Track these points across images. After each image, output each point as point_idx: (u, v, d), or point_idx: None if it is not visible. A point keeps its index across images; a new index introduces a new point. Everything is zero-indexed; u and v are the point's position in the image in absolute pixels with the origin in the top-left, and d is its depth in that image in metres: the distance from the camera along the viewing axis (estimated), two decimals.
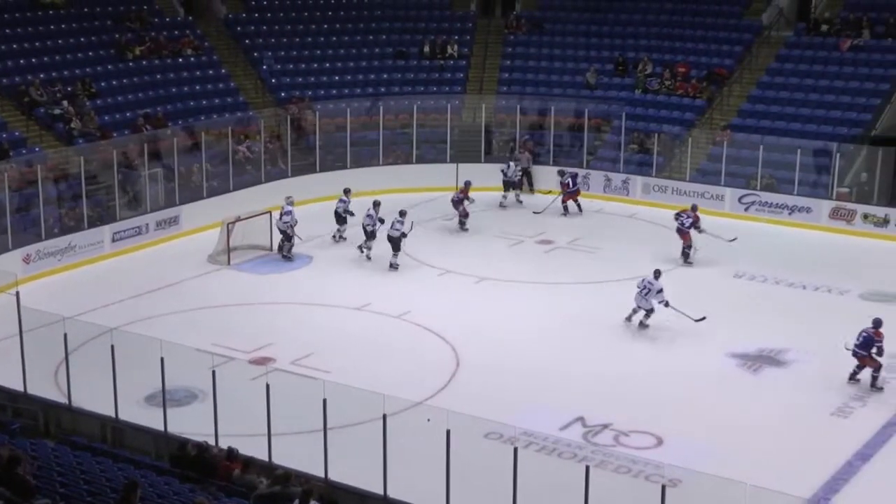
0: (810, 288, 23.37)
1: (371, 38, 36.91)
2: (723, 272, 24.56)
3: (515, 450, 13.21)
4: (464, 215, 27.73)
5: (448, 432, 13.31)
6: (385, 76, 35.63)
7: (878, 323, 18.74)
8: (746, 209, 29.12)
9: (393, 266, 24.65)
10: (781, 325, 21.24)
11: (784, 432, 16.91)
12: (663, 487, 12.19)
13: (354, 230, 25.89)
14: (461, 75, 35.96)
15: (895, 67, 31.54)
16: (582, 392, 18.32)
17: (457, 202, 27.82)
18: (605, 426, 17.08)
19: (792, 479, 14.99)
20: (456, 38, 36.92)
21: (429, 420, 14.88)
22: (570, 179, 29.63)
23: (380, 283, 23.90)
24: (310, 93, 34.11)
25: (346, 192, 26.87)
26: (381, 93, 34.33)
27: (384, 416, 13.94)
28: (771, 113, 31.79)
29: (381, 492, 14.15)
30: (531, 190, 31.40)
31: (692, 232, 25.18)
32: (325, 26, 37.05)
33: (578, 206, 29.49)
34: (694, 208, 25.66)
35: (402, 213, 24.95)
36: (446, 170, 31.50)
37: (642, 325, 21.25)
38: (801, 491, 14.61)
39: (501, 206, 30.08)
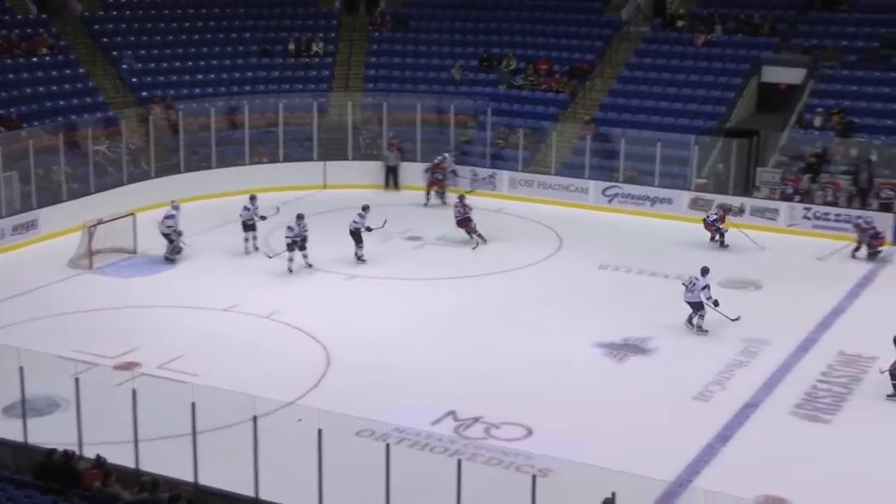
0: (672, 277, 23.98)
1: (234, 35, 36.43)
2: (588, 263, 25.05)
3: (387, 446, 13.24)
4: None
5: (319, 432, 13.26)
6: (249, 74, 35.21)
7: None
8: (610, 201, 29.76)
9: (360, 258, 24.83)
10: (645, 314, 21.79)
11: (649, 418, 17.34)
12: (534, 477, 12.38)
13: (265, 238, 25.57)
14: (327, 73, 35.80)
15: (746, 62, 32.69)
16: (453, 386, 18.45)
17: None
18: (476, 419, 17.24)
19: (657, 463, 15.41)
20: (321, 35, 36.73)
21: (300, 420, 14.83)
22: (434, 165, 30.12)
23: (248, 283, 23.64)
24: (172, 92, 33.45)
25: (253, 198, 25.87)
26: (246, 91, 33.92)
27: (254, 418, 13.82)
28: (631, 107, 32.57)
29: (252, 494, 14.01)
30: (396, 187, 31.41)
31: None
32: (187, 24, 36.41)
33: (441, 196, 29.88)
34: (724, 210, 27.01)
35: (365, 208, 24.96)
36: (313, 168, 31.36)
37: (700, 329, 20.88)
38: (666, 474, 15.05)
39: (426, 205, 30.14)
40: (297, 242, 24.20)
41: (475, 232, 26.34)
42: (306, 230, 24.26)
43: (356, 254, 24.90)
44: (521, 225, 28.33)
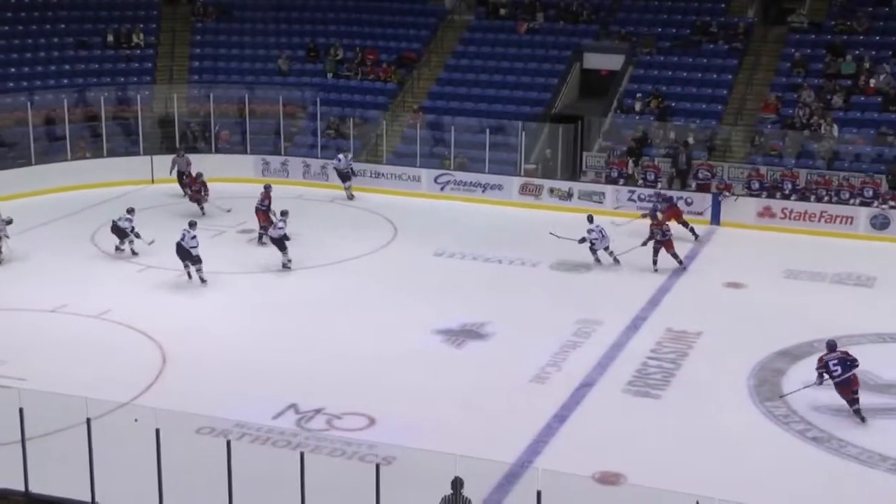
0: (505, 262, 24.46)
1: (49, 27, 35.07)
2: (423, 251, 25.25)
3: (228, 442, 13.00)
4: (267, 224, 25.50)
5: (157, 431, 12.96)
6: (67, 67, 34.00)
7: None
8: (442, 189, 30.06)
9: (286, 266, 23.76)
10: (481, 300, 22.13)
11: (489, 401, 17.62)
12: (377, 466, 12.41)
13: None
14: (149, 65, 34.89)
15: (568, 49, 33.54)
16: (293, 379, 18.33)
17: (263, 212, 25.87)
18: (318, 411, 17.17)
19: (499, 446, 15.72)
20: (141, 26, 35.75)
21: (136, 420, 14.45)
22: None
23: (74, 281, 22.84)
24: None
25: (130, 211, 24.71)
26: (64, 85, 32.75)
27: (88, 420, 13.38)
28: (459, 94, 32.96)
29: (89, 499, 13.60)
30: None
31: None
32: None
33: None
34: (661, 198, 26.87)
35: (284, 214, 24.06)
36: (140, 162, 30.58)
37: (616, 260, 23.99)
38: (507, 456, 15.34)
39: (350, 198, 29.60)
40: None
41: None
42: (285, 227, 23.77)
43: (283, 263, 23.89)
44: (355, 215, 28.35)
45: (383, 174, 30.54)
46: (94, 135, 31.20)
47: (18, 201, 27.33)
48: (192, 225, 23.19)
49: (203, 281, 22.85)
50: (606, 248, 24.07)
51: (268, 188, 26.49)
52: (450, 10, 36.12)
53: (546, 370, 18.91)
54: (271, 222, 24.87)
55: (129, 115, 31.71)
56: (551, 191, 29.31)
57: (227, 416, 15.89)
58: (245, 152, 31.73)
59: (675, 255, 23.85)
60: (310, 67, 34.78)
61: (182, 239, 22.77)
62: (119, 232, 24.35)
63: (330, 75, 34.25)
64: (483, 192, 29.78)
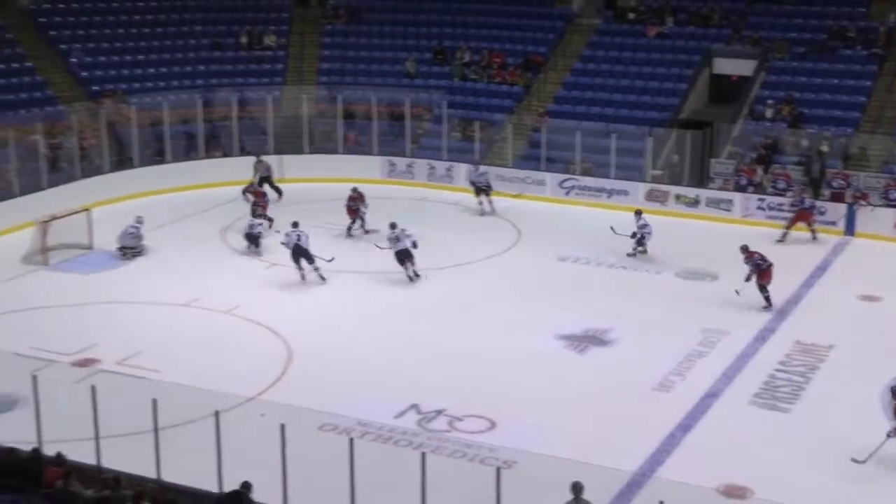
0: (630, 268, 24.18)
1: (186, 29, 36.08)
2: (547, 255, 25.14)
3: (351, 440, 13.16)
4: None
5: (282, 426, 13.17)
6: (202, 68, 34.90)
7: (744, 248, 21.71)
8: (567, 193, 29.87)
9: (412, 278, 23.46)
10: (605, 306, 21.91)
11: (611, 409, 17.43)
12: (498, 470, 12.39)
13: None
14: (280, 66, 35.59)
15: (698, 54, 32.97)
16: (416, 379, 18.43)
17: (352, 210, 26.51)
18: (440, 412, 17.23)
19: (620, 454, 15.54)
20: (273, 28, 36.50)
21: (262, 415, 14.75)
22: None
23: (207, 278, 23.42)
24: (124, 86, 33.08)
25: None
26: (199, 85, 33.62)
27: (216, 413, 13.70)
28: (585, 98, 32.71)
29: (216, 489, 13.90)
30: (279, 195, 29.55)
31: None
32: (138, 17, 35.98)
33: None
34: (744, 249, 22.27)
35: (295, 225, 24.14)
36: (270, 161, 31.14)
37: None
38: (629, 465, 15.17)
39: (481, 213, 28.58)
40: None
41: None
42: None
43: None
44: (479, 218, 28.37)
45: (508, 177, 30.48)
46: (226, 134, 31.93)
47: (153, 198, 28.16)
48: (296, 225, 23.47)
49: (323, 279, 23.11)
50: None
51: (355, 190, 26.91)
52: (577, 13, 35.90)
53: (670, 378, 18.62)
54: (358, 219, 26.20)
55: (259, 115, 32.37)
56: (678, 197, 28.87)
57: (350, 413, 16.07)
58: (371, 153, 32.07)
59: (763, 288, 21.56)
60: (436, 70, 34.98)
61: (299, 240, 23.09)
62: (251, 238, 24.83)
63: (456, 78, 34.39)
64: (608, 197, 29.49)
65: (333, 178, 30.47)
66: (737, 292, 21.62)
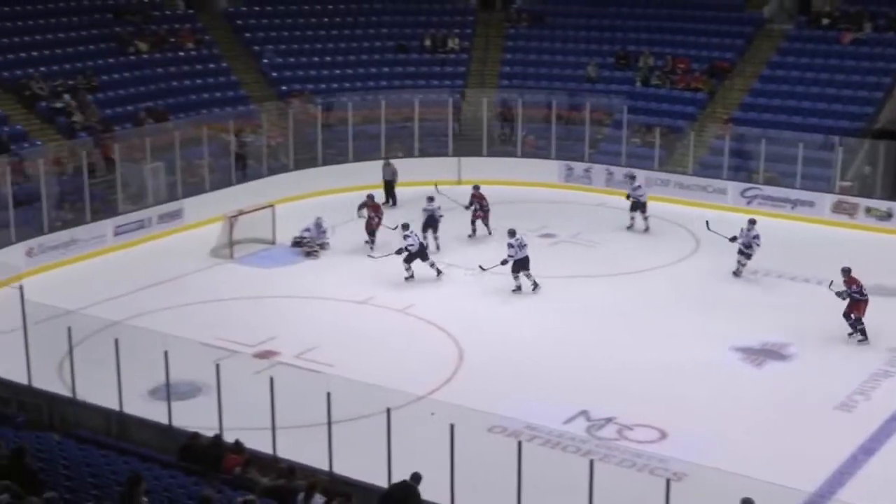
0: (813, 282, 23.34)
1: (372, 31, 36.89)
2: (725, 265, 24.51)
3: (519, 443, 13.15)
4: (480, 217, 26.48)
5: (452, 426, 13.27)
6: (386, 70, 35.62)
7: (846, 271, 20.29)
8: (749, 203, 29.10)
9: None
10: (784, 320, 21.21)
11: (787, 426, 16.90)
12: (668, 481, 12.16)
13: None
14: (462, 69, 35.95)
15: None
16: (586, 386, 18.30)
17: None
18: (609, 420, 17.06)
19: (796, 474, 14.97)
20: (456, 31, 36.90)
21: (433, 414, 14.89)
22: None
23: (383, 276, 23.84)
24: (311, 86, 34.08)
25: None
26: (382, 86, 34.32)
27: (388, 410, 13.92)
28: (773, 106, 31.78)
29: (385, 485, 14.11)
30: (393, 204, 29.07)
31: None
32: (326, 20, 37.05)
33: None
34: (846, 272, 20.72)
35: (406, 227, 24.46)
36: (448, 163, 31.49)
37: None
38: (806, 485, 14.61)
39: (629, 228, 27.48)
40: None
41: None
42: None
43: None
44: (657, 225, 27.91)
45: (688, 185, 29.92)
46: (407, 135, 32.45)
47: (334, 196, 28.85)
48: (406, 227, 23.58)
49: (440, 273, 23.46)
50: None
51: (476, 188, 27.02)
52: (768, 18, 34.90)
53: (853, 398, 17.89)
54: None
55: (439, 117, 32.76)
56: (868, 210, 27.73)
57: (519, 416, 16.04)
58: (549, 157, 32.01)
59: (856, 320, 20.06)
60: (618, 75, 34.63)
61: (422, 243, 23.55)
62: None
63: (639, 83, 33.97)
64: (792, 208, 28.57)
65: (510, 181, 30.57)
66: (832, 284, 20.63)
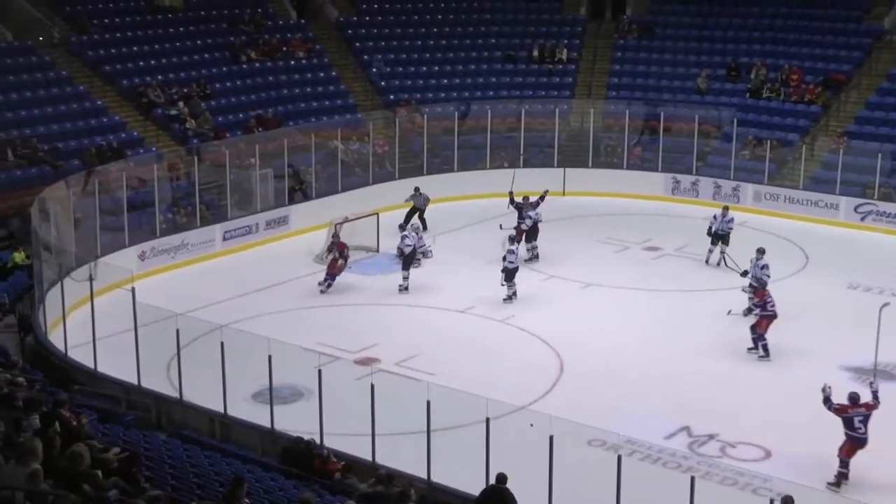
0: None
1: (480, 42, 36.99)
2: (837, 283, 23.92)
3: (619, 457, 13.05)
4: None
5: (551, 438, 13.21)
6: (493, 80, 35.68)
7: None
8: (863, 219, 28.32)
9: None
10: None
11: None
12: (771, 501, 11.91)
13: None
14: (570, 80, 35.80)
15: None
16: (688, 401, 18.03)
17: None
18: (712, 437, 16.78)
19: None
20: (565, 42, 36.76)
21: (532, 425, 14.80)
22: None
23: (485, 286, 23.78)
24: (418, 95, 34.33)
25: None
26: (489, 96, 34.38)
27: (487, 420, 13.92)
28: (891, 120, 30.91)
29: None
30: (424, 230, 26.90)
31: None
32: (435, 30, 37.29)
33: None
34: None
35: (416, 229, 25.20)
36: (553, 174, 31.32)
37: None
38: None
39: (707, 262, 25.47)
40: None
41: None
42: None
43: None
44: (765, 240, 27.24)
45: (798, 199, 29.26)
46: (513, 145, 32.43)
47: (438, 205, 28.94)
48: (418, 229, 24.49)
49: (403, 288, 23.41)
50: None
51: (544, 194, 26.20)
52: (889, 29, 33.95)
53: None
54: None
55: (546, 128, 32.65)
56: None
57: (619, 430, 15.86)
58: (656, 170, 31.65)
59: (757, 338, 19.77)
60: (729, 87, 34.07)
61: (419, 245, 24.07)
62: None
63: (749, 95, 33.36)
64: None
65: (615, 193, 30.31)
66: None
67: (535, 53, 36.32)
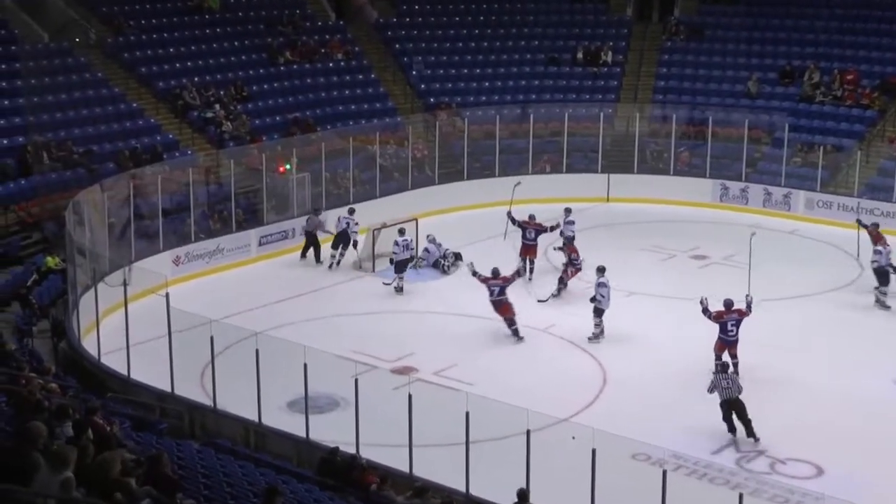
0: None
1: (523, 43, 36.48)
2: (891, 293, 23.10)
3: (664, 472, 12.62)
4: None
5: (594, 451, 12.79)
6: (536, 83, 35.16)
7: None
8: None
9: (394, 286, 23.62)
10: None
11: None
12: None
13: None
14: (615, 83, 35.16)
15: None
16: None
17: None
18: (761, 452, 16.22)
19: None
20: (611, 44, 36.13)
21: (573, 438, 14.30)
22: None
23: (524, 294, 23.26)
24: (458, 99, 33.92)
25: (351, 211, 25.46)
26: (532, 100, 33.91)
27: (528, 432, 13.47)
28: None
29: None
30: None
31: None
32: (476, 32, 36.82)
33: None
34: None
35: (351, 211, 25.29)
36: (597, 180, 30.80)
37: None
38: None
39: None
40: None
41: None
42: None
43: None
44: (818, 248, 26.62)
45: (853, 208, 28.42)
46: (556, 150, 31.83)
47: (476, 211, 28.48)
48: (352, 212, 24.93)
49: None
50: None
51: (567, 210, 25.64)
52: None
53: None
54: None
55: (590, 132, 32.03)
56: None
57: (665, 444, 15.28)
58: (704, 176, 30.93)
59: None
60: (780, 91, 33.32)
61: (347, 227, 24.58)
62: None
63: (802, 99, 32.54)
64: None
65: (662, 200, 29.68)
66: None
67: (580, 55, 35.71)
